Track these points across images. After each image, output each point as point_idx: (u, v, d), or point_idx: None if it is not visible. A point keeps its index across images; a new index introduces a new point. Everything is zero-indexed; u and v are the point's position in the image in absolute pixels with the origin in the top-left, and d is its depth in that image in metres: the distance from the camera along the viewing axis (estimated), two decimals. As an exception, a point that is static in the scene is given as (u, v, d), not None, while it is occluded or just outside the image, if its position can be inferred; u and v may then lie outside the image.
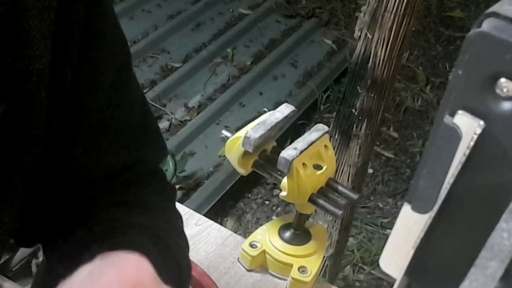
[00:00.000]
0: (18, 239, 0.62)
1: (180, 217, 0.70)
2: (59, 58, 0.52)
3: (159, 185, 0.69)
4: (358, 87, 1.43)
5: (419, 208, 0.37)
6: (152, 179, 0.68)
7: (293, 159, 0.78)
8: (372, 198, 2.30)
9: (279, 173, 0.82)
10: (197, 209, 1.66)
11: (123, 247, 0.52)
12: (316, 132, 0.83)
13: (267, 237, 0.88)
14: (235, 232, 0.94)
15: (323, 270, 0.88)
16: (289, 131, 1.87)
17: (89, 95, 0.57)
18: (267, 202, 2.23)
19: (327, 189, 0.84)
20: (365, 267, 2.04)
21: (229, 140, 0.84)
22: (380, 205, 2.28)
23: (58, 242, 0.60)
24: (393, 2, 1.29)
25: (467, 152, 0.33)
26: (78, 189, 0.61)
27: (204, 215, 0.96)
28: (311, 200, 0.82)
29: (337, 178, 1.49)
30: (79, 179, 0.60)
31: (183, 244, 0.67)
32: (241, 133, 0.82)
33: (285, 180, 0.80)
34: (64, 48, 0.52)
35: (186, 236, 0.68)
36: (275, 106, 0.85)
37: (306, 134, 0.82)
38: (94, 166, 0.60)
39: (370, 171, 2.37)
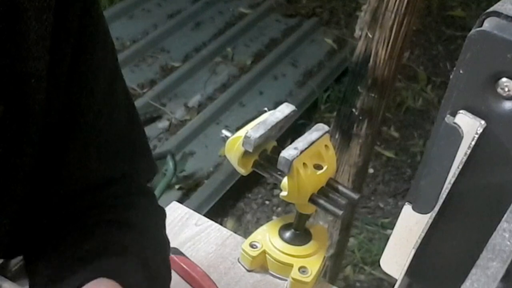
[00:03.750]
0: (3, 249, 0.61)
1: (168, 242, 0.68)
2: (56, 59, 0.52)
3: (148, 206, 0.67)
4: (359, 87, 1.43)
5: (420, 208, 0.37)
6: (141, 199, 0.66)
7: (294, 159, 0.78)
8: (372, 198, 2.30)
9: (279, 173, 0.82)
10: (197, 209, 1.65)
11: (105, 274, 0.54)
12: (316, 131, 0.83)
13: (267, 237, 0.88)
14: (235, 232, 0.93)
15: (323, 271, 0.88)
16: (290, 131, 1.86)
17: (83, 99, 0.56)
18: (267, 202, 2.23)
19: (328, 189, 0.83)
20: (365, 268, 2.04)
21: (229, 140, 0.84)
22: (381, 205, 2.27)
23: (43, 260, 0.59)
24: (394, 1, 1.29)
25: (468, 152, 0.33)
26: (67, 199, 0.60)
27: (204, 215, 0.96)
28: (312, 200, 0.81)
29: (338, 178, 1.49)
30: (69, 188, 0.59)
31: (165, 272, 0.66)
32: (241, 133, 0.82)
33: (285, 180, 0.80)
34: (60, 49, 0.52)
35: (169, 262, 0.67)
36: (275, 106, 0.85)
37: (306, 134, 0.82)
38: (84, 174, 0.59)
39: (371, 171, 2.36)
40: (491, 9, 0.32)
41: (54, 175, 0.58)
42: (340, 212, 0.81)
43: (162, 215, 0.69)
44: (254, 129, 0.81)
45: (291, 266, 0.85)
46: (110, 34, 0.59)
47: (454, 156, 0.34)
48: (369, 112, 1.44)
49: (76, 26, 0.52)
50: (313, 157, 0.82)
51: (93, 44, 0.55)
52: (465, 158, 0.33)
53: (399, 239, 0.40)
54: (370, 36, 1.36)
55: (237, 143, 0.82)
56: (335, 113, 1.58)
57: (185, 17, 2.92)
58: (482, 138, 0.33)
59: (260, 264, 0.88)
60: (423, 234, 0.37)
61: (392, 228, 0.42)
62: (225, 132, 0.85)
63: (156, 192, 2.05)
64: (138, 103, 2.43)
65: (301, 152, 0.79)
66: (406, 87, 2.79)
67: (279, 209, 2.21)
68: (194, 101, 2.51)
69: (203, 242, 0.91)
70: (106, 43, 0.58)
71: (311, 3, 3.18)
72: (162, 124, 2.39)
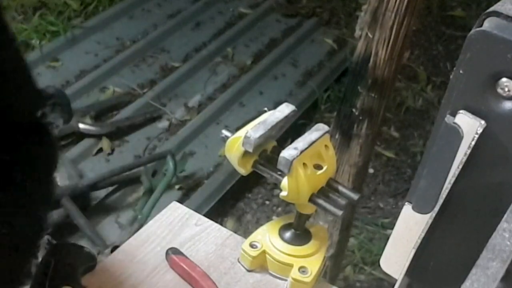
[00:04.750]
0: None
1: (51, 194, 0.75)
2: None
3: (37, 148, 0.72)
4: (359, 87, 1.43)
5: (420, 208, 0.37)
6: (31, 142, 0.71)
7: (294, 159, 0.78)
8: (372, 198, 2.30)
9: (279, 173, 0.82)
10: (197, 209, 1.65)
11: None
12: (316, 131, 0.83)
13: (267, 237, 0.88)
14: (235, 232, 0.93)
15: (323, 271, 0.88)
16: (290, 131, 1.86)
17: None
18: (267, 202, 2.23)
19: (328, 189, 0.83)
20: (366, 268, 2.04)
21: (229, 140, 0.84)
22: (381, 205, 2.27)
23: None
24: (394, 1, 1.29)
25: (468, 152, 0.33)
26: None
27: (204, 215, 0.96)
28: (312, 200, 0.81)
29: (338, 178, 1.49)
30: None
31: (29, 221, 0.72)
32: (241, 133, 0.82)
33: (285, 180, 0.80)
34: None
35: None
36: (275, 106, 0.85)
37: (306, 134, 0.82)
38: None
39: (371, 171, 2.36)
40: (491, 9, 0.32)
41: None
42: (340, 212, 0.81)
43: (54, 146, 0.75)
44: (254, 129, 0.81)
45: (291, 266, 0.85)
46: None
47: (454, 156, 0.33)
48: (369, 112, 1.44)
49: None
50: (313, 157, 0.82)
51: None
52: (465, 158, 0.33)
53: (399, 239, 0.40)
54: (370, 36, 1.36)
55: (237, 143, 0.82)
56: (335, 113, 1.58)
57: (185, 17, 2.92)
58: (482, 138, 0.32)
59: (260, 264, 0.88)
60: (423, 234, 0.37)
61: (392, 228, 0.42)
62: (225, 132, 0.85)
63: (156, 192, 2.05)
64: (138, 103, 2.43)
65: (301, 152, 0.79)
66: (406, 87, 2.79)
67: (279, 209, 2.21)
68: (194, 101, 2.51)
69: (203, 242, 0.91)
70: None
71: (311, 3, 3.18)
72: (162, 124, 2.39)
